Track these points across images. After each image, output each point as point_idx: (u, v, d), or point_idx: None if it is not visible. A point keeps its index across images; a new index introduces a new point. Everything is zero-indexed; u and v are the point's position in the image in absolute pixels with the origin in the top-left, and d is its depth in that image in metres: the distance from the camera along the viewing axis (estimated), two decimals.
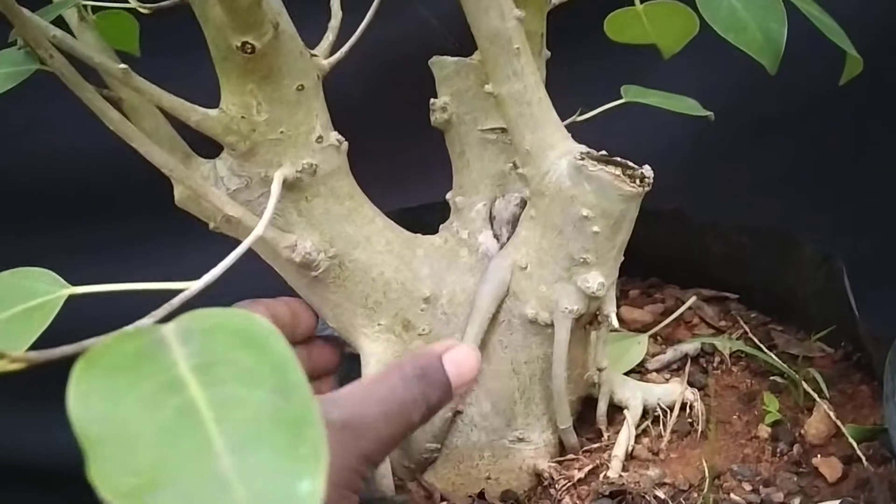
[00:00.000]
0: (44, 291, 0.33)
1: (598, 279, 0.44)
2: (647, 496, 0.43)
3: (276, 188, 0.43)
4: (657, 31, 0.53)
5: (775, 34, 0.44)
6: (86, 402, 0.20)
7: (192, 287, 0.33)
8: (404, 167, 0.71)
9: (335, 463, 0.33)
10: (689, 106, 0.56)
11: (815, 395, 0.49)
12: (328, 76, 0.46)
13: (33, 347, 0.29)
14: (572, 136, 0.45)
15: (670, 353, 0.55)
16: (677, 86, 0.58)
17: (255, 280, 0.48)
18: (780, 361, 0.51)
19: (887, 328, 0.46)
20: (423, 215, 0.54)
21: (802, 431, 0.48)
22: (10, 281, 0.34)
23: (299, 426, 0.20)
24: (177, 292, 0.32)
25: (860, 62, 0.47)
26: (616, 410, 0.50)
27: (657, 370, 0.54)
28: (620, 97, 0.54)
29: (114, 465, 0.19)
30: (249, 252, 0.47)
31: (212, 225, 0.47)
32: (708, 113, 0.55)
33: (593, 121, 0.54)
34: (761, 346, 0.53)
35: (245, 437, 0.19)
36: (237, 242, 0.40)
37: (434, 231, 0.51)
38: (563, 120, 0.46)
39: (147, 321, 0.27)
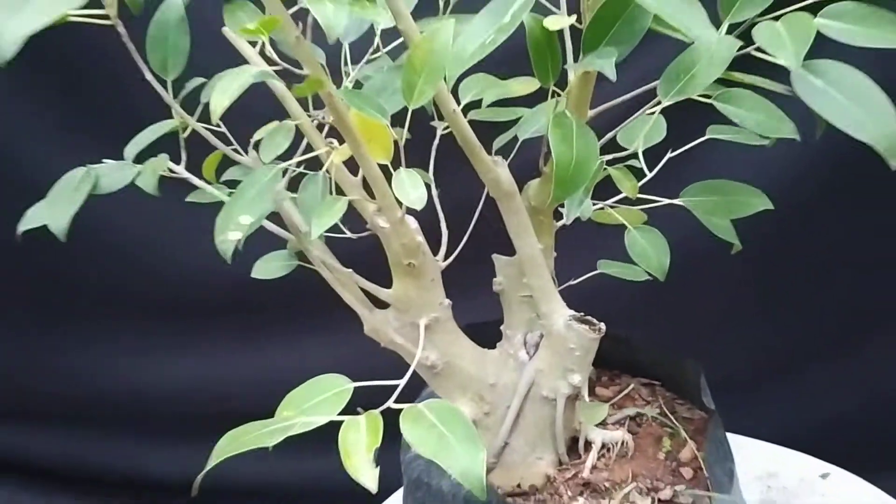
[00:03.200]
0: (339, 385, 0.75)
1: (578, 378, 0.87)
2: (600, 485, 0.87)
3: (422, 332, 0.87)
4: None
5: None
6: (412, 436, 0.64)
7: (401, 383, 0.77)
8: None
9: None
10: (635, 273, 1.00)
11: (688, 439, 0.92)
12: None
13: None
14: (569, 290, 0.90)
15: (619, 415, 0.92)
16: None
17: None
18: (676, 422, 0.95)
19: (723, 413, 0.90)
20: (487, 329, 0.85)
21: (679, 456, 0.87)
22: (321, 381, 0.77)
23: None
24: (393, 387, 0.75)
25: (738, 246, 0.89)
26: (588, 444, 0.86)
27: (613, 423, 0.93)
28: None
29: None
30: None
31: (382, 343, 0.91)
32: (651, 277, 0.98)
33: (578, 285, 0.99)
34: (667, 413, 0.97)
35: None
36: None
37: (492, 339, 0.85)
38: (562, 282, 0.91)
39: (390, 402, 0.72)
